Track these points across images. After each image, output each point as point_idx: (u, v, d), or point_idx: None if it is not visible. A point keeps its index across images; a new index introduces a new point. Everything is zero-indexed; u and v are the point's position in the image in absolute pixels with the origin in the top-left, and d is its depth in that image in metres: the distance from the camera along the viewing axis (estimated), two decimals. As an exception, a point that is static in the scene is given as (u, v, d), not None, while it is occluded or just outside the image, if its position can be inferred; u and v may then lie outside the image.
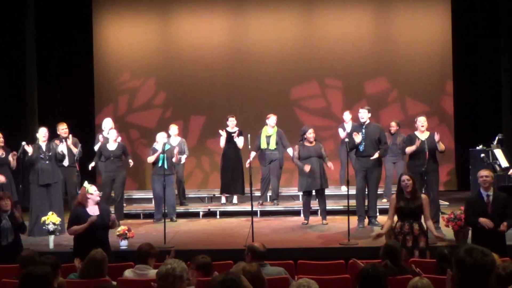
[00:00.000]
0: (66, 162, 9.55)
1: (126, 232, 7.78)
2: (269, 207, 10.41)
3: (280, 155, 10.38)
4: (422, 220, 6.68)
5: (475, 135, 11.71)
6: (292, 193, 11.19)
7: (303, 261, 5.96)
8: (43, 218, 8.02)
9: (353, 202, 8.67)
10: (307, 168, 8.99)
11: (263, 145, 10.30)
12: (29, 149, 8.87)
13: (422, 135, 8.61)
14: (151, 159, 9.75)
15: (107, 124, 10.40)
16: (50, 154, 8.96)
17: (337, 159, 11.18)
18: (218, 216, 10.26)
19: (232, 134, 10.46)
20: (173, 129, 10.61)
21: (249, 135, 9.01)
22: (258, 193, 10.43)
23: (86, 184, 6.86)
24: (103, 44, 12.93)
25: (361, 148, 8.84)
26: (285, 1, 12.91)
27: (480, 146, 9.96)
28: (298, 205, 10.21)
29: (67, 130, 9.69)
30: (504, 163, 9.36)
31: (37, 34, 11.45)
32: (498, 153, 9.50)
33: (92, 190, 6.75)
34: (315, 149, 9.14)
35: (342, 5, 12.86)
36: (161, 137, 9.81)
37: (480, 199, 6.49)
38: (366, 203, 9.04)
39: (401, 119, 11.55)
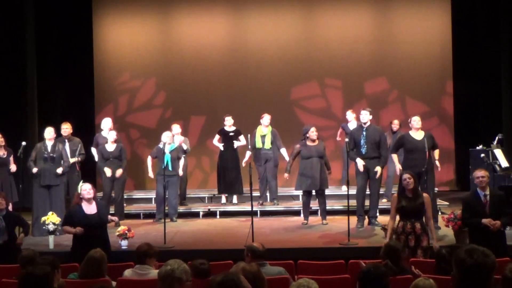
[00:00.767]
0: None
1: (126, 232, 7.78)
2: (269, 207, 10.42)
3: (275, 154, 10.39)
4: (424, 219, 6.69)
5: (475, 135, 11.71)
6: (292, 193, 11.19)
7: (303, 261, 5.96)
8: (43, 218, 8.02)
9: (353, 202, 8.66)
10: (286, 176, 9.29)
11: (258, 145, 10.32)
12: (34, 170, 8.85)
13: (417, 134, 8.61)
14: (149, 160, 9.76)
15: (106, 124, 10.39)
16: (54, 155, 8.94)
17: (339, 159, 11.19)
18: (218, 216, 10.26)
19: (230, 134, 10.46)
20: (176, 128, 10.62)
21: (248, 135, 9.04)
22: (257, 193, 10.43)
23: (80, 183, 6.90)
24: (103, 44, 12.93)
25: (363, 151, 8.84)
26: (285, 1, 12.90)
27: (480, 146, 9.96)
28: (298, 205, 10.21)
29: (69, 130, 9.69)
30: (504, 163, 9.35)
31: (37, 34, 11.44)
32: (498, 153, 9.49)
33: (84, 187, 6.76)
34: (317, 149, 9.13)
35: (342, 5, 12.86)
36: (165, 136, 9.80)
37: (477, 199, 6.47)
38: (367, 203, 9.05)
39: (401, 119, 11.54)
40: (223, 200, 10.73)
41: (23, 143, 9.00)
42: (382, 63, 12.69)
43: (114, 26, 13.00)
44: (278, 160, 10.50)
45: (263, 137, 10.33)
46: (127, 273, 5.24)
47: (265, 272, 4.77)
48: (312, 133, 9.15)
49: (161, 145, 9.75)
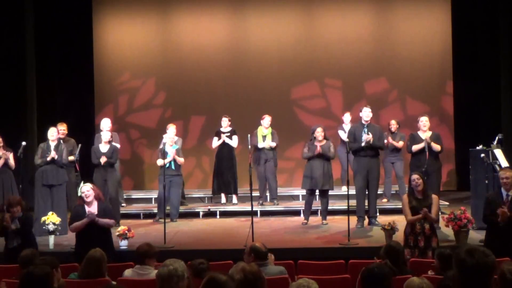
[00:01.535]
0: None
1: (126, 232, 7.78)
2: (269, 207, 10.42)
3: (274, 155, 10.40)
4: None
5: (475, 135, 11.69)
6: (292, 193, 11.19)
7: (303, 261, 5.96)
8: (43, 218, 8.02)
9: (353, 202, 8.67)
10: (318, 148, 8.99)
11: (260, 145, 10.34)
12: (53, 153, 8.84)
13: (424, 134, 8.68)
14: (160, 162, 9.71)
15: (105, 124, 10.38)
16: (57, 155, 8.94)
17: (337, 160, 11.16)
18: (218, 216, 10.26)
19: (226, 135, 10.47)
20: (171, 129, 10.60)
21: (248, 135, 9.01)
22: (257, 193, 10.43)
23: (81, 184, 6.91)
24: (103, 44, 12.93)
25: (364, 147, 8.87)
26: (285, 1, 12.90)
27: (480, 146, 9.94)
28: (298, 205, 10.22)
29: (65, 131, 9.70)
30: (504, 163, 9.33)
31: (37, 34, 11.44)
32: (498, 153, 9.47)
33: (83, 189, 6.77)
34: (323, 149, 9.14)
35: (342, 5, 12.85)
36: (167, 137, 9.81)
37: (499, 198, 6.56)
38: (366, 203, 9.05)
39: (401, 119, 11.55)
40: (223, 200, 10.73)
41: (23, 143, 8.99)
42: (382, 63, 12.69)
43: (114, 26, 12.99)
44: (277, 160, 10.51)
45: (263, 137, 10.37)
46: (127, 273, 5.24)
47: (266, 272, 4.78)
48: (318, 133, 9.17)
49: (162, 147, 9.76)
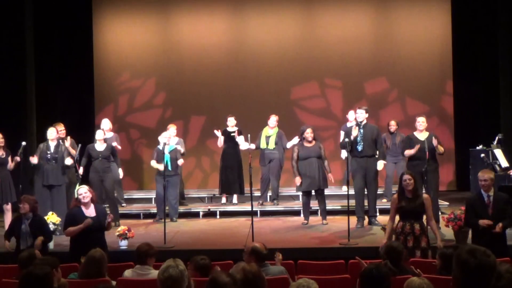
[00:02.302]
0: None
1: (126, 232, 7.78)
2: (269, 207, 10.42)
3: (280, 155, 10.39)
4: (424, 220, 6.67)
5: (475, 135, 11.70)
6: (292, 193, 11.19)
7: (303, 261, 5.96)
8: (43, 218, 7.99)
9: (353, 202, 8.67)
10: (297, 181, 9.11)
11: (263, 145, 10.33)
12: (35, 159, 8.84)
13: (421, 135, 8.65)
14: (155, 165, 9.72)
15: (105, 124, 10.39)
16: (57, 156, 8.94)
17: (338, 160, 11.17)
18: (218, 216, 10.25)
19: (232, 134, 10.46)
20: (172, 129, 10.61)
21: (249, 135, 9.03)
22: (258, 193, 10.43)
23: (77, 186, 6.89)
24: (103, 44, 12.93)
25: (359, 148, 8.86)
26: (285, 1, 12.91)
27: (480, 146, 9.96)
28: (298, 205, 10.21)
29: (64, 131, 9.68)
30: (504, 163, 9.35)
31: (37, 34, 11.45)
32: (498, 153, 9.49)
33: (80, 191, 6.76)
34: (314, 149, 9.14)
35: (342, 5, 12.86)
36: (162, 137, 9.80)
37: (481, 200, 6.47)
38: (366, 203, 9.05)
39: (401, 119, 11.56)
40: (223, 200, 10.73)
41: (23, 143, 8.99)
42: (382, 63, 12.69)
43: (114, 26, 12.99)
44: (283, 160, 10.48)
45: (267, 137, 10.35)
46: (127, 273, 5.23)
47: (266, 272, 4.78)
48: (307, 134, 9.15)
49: (160, 146, 9.75)
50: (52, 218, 7.93)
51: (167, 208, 9.47)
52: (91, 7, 12.84)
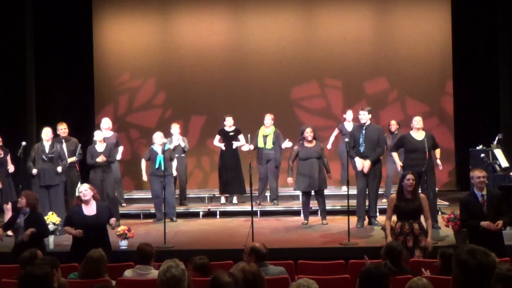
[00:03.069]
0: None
1: (126, 232, 7.78)
2: (269, 207, 10.42)
3: (277, 154, 10.39)
4: (422, 220, 6.68)
5: (475, 135, 11.69)
6: (292, 193, 11.18)
7: (303, 261, 5.96)
8: (43, 218, 7.99)
9: (353, 202, 8.66)
10: (289, 181, 9.23)
11: (260, 145, 10.32)
12: (34, 171, 8.85)
13: (418, 134, 8.63)
14: (142, 165, 9.86)
15: (105, 124, 10.39)
16: (52, 156, 8.94)
17: (338, 160, 11.17)
18: (218, 216, 10.25)
19: (230, 134, 10.46)
20: (175, 128, 10.62)
21: (249, 135, 9.04)
22: (256, 193, 10.42)
23: (78, 184, 6.92)
24: (103, 44, 12.93)
25: (361, 149, 8.86)
26: (285, 1, 12.90)
27: (480, 146, 9.95)
28: (298, 205, 10.21)
29: (66, 130, 9.68)
30: (504, 163, 9.35)
31: (37, 34, 11.45)
32: (498, 153, 9.48)
33: (80, 189, 6.77)
34: (315, 150, 9.14)
35: (342, 5, 12.85)
36: (159, 137, 9.81)
37: (475, 200, 6.42)
38: (367, 204, 9.05)
39: (401, 119, 11.53)
40: (223, 200, 10.73)
41: (23, 143, 8.99)
42: (382, 63, 12.69)
43: (114, 26, 12.99)
44: (281, 160, 10.49)
45: (265, 137, 10.35)
46: (128, 273, 5.23)
47: (266, 272, 4.77)
48: (307, 134, 9.14)
49: (154, 147, 9.76)
50: (52, 218, 7.93)
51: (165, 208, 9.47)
52: (91, 7, 12.84)
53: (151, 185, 9.81)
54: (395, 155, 8.85)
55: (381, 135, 9.04)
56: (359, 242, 7.84)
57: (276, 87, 12.63)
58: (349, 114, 10.90)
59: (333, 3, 12.91)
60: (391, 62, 12.69)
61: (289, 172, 9.24)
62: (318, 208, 9.50)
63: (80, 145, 9.55)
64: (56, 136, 9.61)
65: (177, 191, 10.53)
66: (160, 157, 9.49)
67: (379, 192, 9.58)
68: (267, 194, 10.66)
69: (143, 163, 9.99)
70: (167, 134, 10.48)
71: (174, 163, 9.94)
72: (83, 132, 11.27)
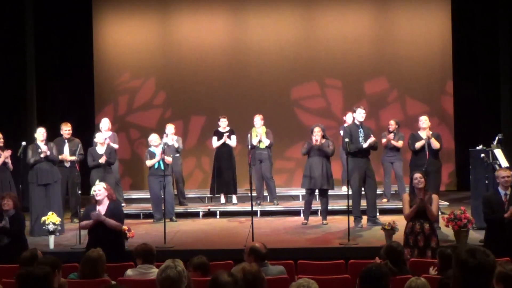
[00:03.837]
0: (67, 163, 9.58)
1: (126, 232, 7.77)
2: (269, 207, 10.41)
3: (269, 153, 10.38)
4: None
5: (475, 135, 11.70)
6: (292, 193, 11.19)
7: (303, 261, 5.95)
8: (43, 218, 7.99)
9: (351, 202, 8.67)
10: (315, 141, 8.99)
11: (255, 142, 10.31)
12: (44, 148, 8.84)
13: (424, 133, 8.70)
14: (150, 163, 9.76)
15: (104, 124, 10.40)
16: (48, 153, 8.93)
17: (338, 159, 11.17)
18: (218, 216, 10.25)
19: (225, 134, 10.47)
20: (170, 128, 10.62)
21: (248, 135, 9.03)
22: (254, 193, 10.40)
23: (96, 182, 6.96)
24: (103, 44, 12.93)
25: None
26: (285, 1, 12.91)
27: (480, 146, 9.94)
28: (298, 205, 10.21)
29: (70, 131, 9.70)
30: (504, 163, 9.34)
31: (37, 34, 11.45)
32: (498, 153, 9.47)
33: (95, 188, 6.81)
34: (322, 145, 9.13)
35: (342, 5, 12.86)
36: (155, 139, 9.83)
37: (498, 197, 6.58)
38: (364, 203, 9.06)
39: (401, 119, 11.55)
40: (223, 200, 10.73)
41: (23, 143, 8.99)
42: (382, 63, 12.69)
43: (114, 26, 13.00)
44: (272, 159, 10.49)
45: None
46: (130, 272, 5.23)
47: (266, 272, 4.77)
48: (315, 132, 9.16)
49: (151, 149, 9.78)
50: (52, 218, 7.92)
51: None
52: (91, 7, 12.84)
53: (150, 185, 9.82)
54: (419, 143, 8.77)
55: (372, 133, 9.13)
56: (359, 242, 7.83)
57: (276, 87, 12.63)
58: (349, 117, 10.89)
59: (333, 3, 12.91)
60: (391, 62, 12.69)
61: (307, 148, 9.13)
62: (318, 208, 9.50)
63: (80, 145, 9.55)
64: (58, 135, 9.63)
65: (175, 192, 10.51)
66: (157, 157, 9.50)
67: (378, 192, 9.59)
68: (265, 194, 10.65)
69: (148, 162, 9.90)
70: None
71: (168, 160, 9.92)
72: (83, 132, 11.27)
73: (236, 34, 12.92)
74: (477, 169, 8.90)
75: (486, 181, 8.55)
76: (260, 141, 10.28)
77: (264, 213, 10.25)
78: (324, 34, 12.78)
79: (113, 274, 5.24)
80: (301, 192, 10.41)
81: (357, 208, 8.90)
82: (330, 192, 9.93)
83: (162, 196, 9.11)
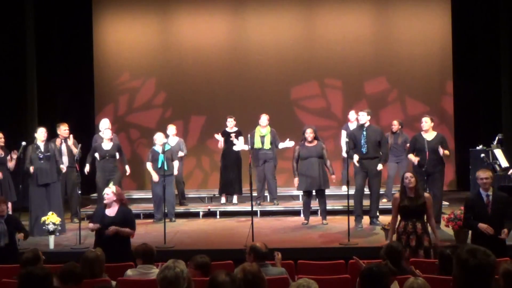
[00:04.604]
0: (66, 163, 9.57)
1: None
2: (269, 207, 10.41)
3: (274, 154, 10.39)
4: (425, 219, 6.68)
5: (475, 135, 11.71)
6: (292, 193, 11.19)
7: (303, 261, 5.95)
8: (43, 218, 8.00)
9: (353, 202, 8.66)
10: (296, 182, 9.15)
11: (257, 145, 10.29)
12: (31, 168, 8.84)
13: (427, 135, 8.66)
14: (149, 167, 9.83)
15: (104, 124, 10.40)
16: (48, 154, 8.94)
17: (338, 159, 11.17)
18: (218, 216, 10.25)
19: (231, 135, 10.46)
20: (171, 129, 10.62)
21: (249, 135, 9.03)
22: (255, 193, 10.40)
23: (110, 184, 6.97)
24: (103, 44, 12.93)
25: (364, 150, 8.85)
26: (285, 1, 12.91)
27: (480, 146, 9.96)
28: (298, 205, 10.21)
29: (68, 130, 9.71)
30: (504, 163, 9.35)
31: (37, 34, 11.44)
32: (498, 153, 9.49)
33: (105, 190, 6.81)
34: (316, 149, 9.14)
35: (342, 5, 12.86)
36: (160, 137, 9.82)
37: (480, 200, 6.42)
38: (366, 203, 9.04)
39: (401, 119, 11.54)
40: (223, 200, 10.73)
41: (23, 143, 8.98)
42: (382, 63, 12.69)
43: (114, 26, 13.00)
44: (277, 160, 10.49)
45: (262, 137, 10.33)
46: (130, 272, 5.23)
47: (266, 272, 4.77)
48: (307, 134, 9.15)
49: (155, 147, 9.77)
50: (52, 218, 7.92)
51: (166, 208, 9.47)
52: (91, 7, 12.85)
53: (152, 185, 9.82)
54: (411, 156, 8.80)
55: (382, 136, 9.05)
56: (359, 242, 7.83)
57: (276, 87, 12.63)
58: (351, 114, 10.87)
59: (333, 3, 12.91)
60: (391, 62, 12.69)
61: (294, 172, 9.22)
62: (318, 208, 9.50)
63: (80, 145, 9.55)
64: (56, 135, 9.63)
65: (175, 192, 10.51)
66: (161, 156, 9.49)
67: (380, 192, 9.58)
68: (266, 194, 10.65)
69: (149, 165, 9.92)
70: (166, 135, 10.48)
71: (176, 164, 9.93)
72: (83, 132, 11.28)
73: (236, 34, 12.92)
74: (477, 169, 8.82)
75: (490, 181, 8.53)
76: (262, 143, 10.27)
77: (264, 213, 10.25)
78: (324, 34, 12.78)
79: (113, 274, 5.23)
80: (301, 192, 10.40)
81: (358, 207, 8.89)
82: (331, 192, 9.96)
83: (164, 196, 9.11)
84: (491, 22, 11.82)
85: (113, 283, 4.79)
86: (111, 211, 6.71)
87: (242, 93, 12.70)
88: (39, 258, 5.08)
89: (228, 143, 10.45)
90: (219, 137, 10.44)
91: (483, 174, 6.43)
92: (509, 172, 8.99)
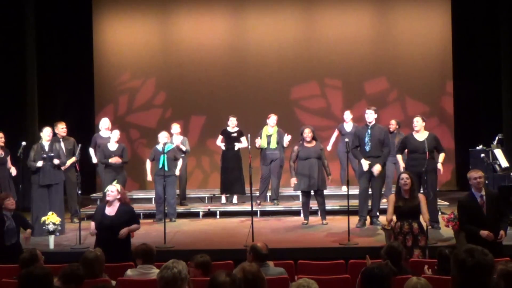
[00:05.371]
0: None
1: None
2: (269, 207, 10.41)
3: (281, 154, 10.39)
4: (421, 219, 6.69)
5: (475, 135, 11.70)
6: (292, 193, 11.18)
7: (303, 261, 5.95)
8: (43, 218, 7.99)
9: (353, 202, 8.64)
10: (292, 182, 9.15)
11: (264, 145, 10.31)
12: (39, 163, 8.81)
13: (419, 135, 8.64)
14: (147, 166, 9.92)
15: (104, 124, 10.41)
16: (52, 154, 8.93)
17: (337, 159, 11.16)
18: (218, 216, 10.25)
19: (233, 134, 10.46)
20: (175, 127, 10.63)
21: (249, 135, 9.02)
22: (257, 193, 10.42)
23: (114, 182, 6.97)
24: (103, 44, 12.93)
25: (367, 148, 8.86)
26: (285, 1, 12.91)
27: (480, 146, 9.95)
28: (298, 205, 10.20)
29: (65, 129, 9.70)
30: (504, 163, 9.35)
31: (37, 34, 11.45)
32: (498, 153, 9.49)
33: (108, 187, 6.81)
34: (315, 150, 9.14)
35: (342, 5, 12.86)
36: (162, 137, 9.81)
37: (474, 201, 6.32)
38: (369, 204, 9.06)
39: (401, 119, 11.53)
40: (223, 200, 10.73)
41: (23, 143, 8.99)
42: (382, 63, 12.69)
43: (114, 26, 13.00)
44: (284, 160, 10.49)
45: (269, 137, 10.34)
46: (130, 272, 5.23)
47: (266, 273, 4.77)
48: (305, 134, 9.15)
49: (158, 146, 9.76)
50: (52, 218, 7.92)
51: (166, 208, 9.47)
52: (91, 7, 12.85)
53: (155, 185, 9.81)
54: (399, 157, 8.85)
55: (386, 135, 9.05)
56: (359, 242, 7.83)
57: (276, 87, 12.64)
58: (346, 115, 10.90)
59: (333, 3, 12.91)
60: (391, 62, 12.69)
61: (292, 172, 9.23)
62: (318, 208, 9.50)
63: (80, 145, 9.54)
64: (53, 135, 9.62)
65: (177, 191, 10.52)
66: (163, 156, 9.49)
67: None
68: (268, 194, 10.66)
69: (148, 163, 9.98)
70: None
71: (179, 163, 9.93)
72: (83, 132, 11.28)
73: (236, 34, 12.92)
74: (477, 169, 8.88)
75: (486, 181, 8.54)
76: (268, 143, 10.28)
77: (264, 213, 10.26)
78: (324, 34, 12.78)
79: (113, 274, 5.24)
80: (301, 192, 10.41)
81: (362, 208, 8.89)
82: (330, 192, 9.96)
83: (165, 196, 9.12)
84: (491, 22, 11.82)
85: (113, 283, 4.80)
86: (111, 210, 6.72)
87: (242, 93, 12.71)
88: (37, 258, 5.07)
89: (229, 143, 10.45)
90: (222, 145, 10.46)
91: (476, 174, 6.35)
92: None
